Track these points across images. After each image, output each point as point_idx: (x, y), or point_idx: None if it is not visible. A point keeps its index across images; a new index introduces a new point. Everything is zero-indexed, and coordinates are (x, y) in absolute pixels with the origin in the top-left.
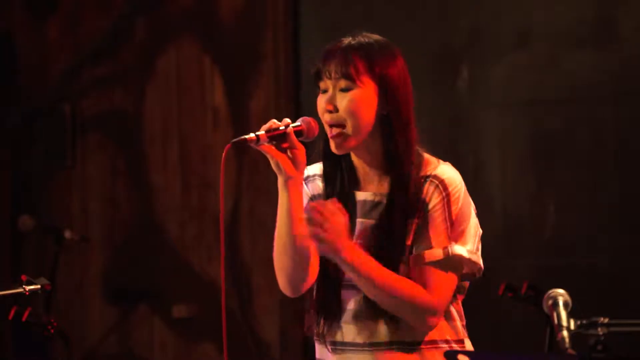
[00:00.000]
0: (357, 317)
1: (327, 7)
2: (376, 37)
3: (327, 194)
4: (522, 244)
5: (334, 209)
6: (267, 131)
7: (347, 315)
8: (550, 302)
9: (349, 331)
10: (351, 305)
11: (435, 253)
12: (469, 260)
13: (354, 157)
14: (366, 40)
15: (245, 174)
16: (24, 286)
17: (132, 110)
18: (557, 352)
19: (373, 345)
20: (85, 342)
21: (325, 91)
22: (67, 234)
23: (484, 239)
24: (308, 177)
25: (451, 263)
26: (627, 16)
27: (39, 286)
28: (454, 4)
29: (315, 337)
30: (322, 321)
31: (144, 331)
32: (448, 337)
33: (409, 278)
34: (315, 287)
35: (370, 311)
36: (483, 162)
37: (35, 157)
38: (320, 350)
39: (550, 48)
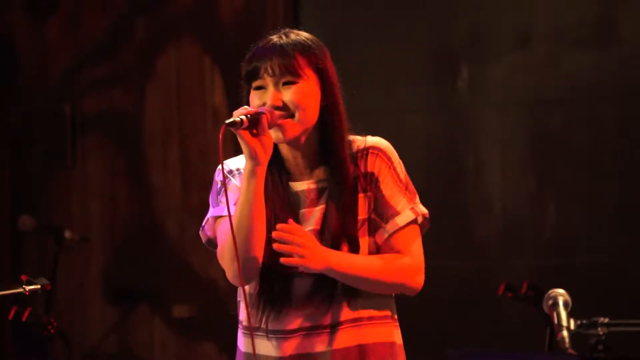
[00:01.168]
0: (307, 303)
1: (327, 7)
2: (306, 34)
3: (265, 186)
4: (522, 244)
5: (298, 228)
6: (246, 116)
7: (297, 302)
8: (550, 302)
9: (299, 318)
10: (301, 292)
11: (406, 215)
12: (427, 217)
13: (284, 149)
14: (300, 37)
15: None
16: (24, 286)
17: (132, 110)
18: (557, 352)
19: (322, 328)
20: (85, 342)
21: (260, 88)
22: (67, 234)
23: (484, 239)
24: (232, 171)
25: (418, 221)
26: (627, 16)
27: (39, 286)
28: (454, 4)
29: (248, 330)
30: (267, 312)
31: (144, 331)
32: (389, 313)
33: (377, 247)
34: (260, 277)
35: (320, 296)
36: (483, 162)
37: (35, 157)
38: (246, 342)
39: (550, 48)
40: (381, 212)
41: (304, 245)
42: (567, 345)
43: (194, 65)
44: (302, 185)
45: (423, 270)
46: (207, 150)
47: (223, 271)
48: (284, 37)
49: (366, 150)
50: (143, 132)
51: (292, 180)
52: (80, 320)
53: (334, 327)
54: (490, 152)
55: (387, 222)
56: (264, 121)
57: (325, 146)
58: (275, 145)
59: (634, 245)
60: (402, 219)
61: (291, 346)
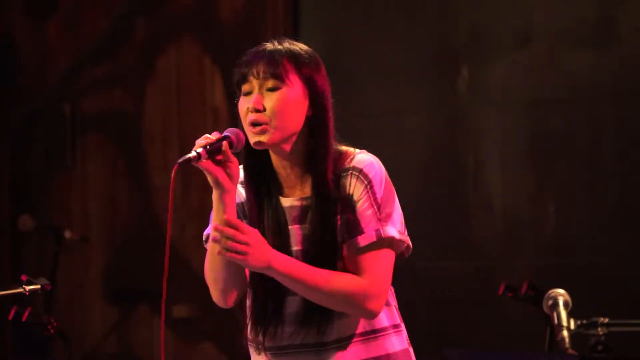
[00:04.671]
0: (299, 319)
1: (327, 7)
2: (301, 45)
3: (250, 200)
4: (522, 244)
5: (243, 226)
6: (204, 147)
7: (290, 319)
8: (550, 302)
9: (291, 334)
10: (294, 308)
11: (368, 236)
12: (400, 240)
13: (275, 161)
14: (292, 46)
15: None
16: (24, 286)
17: (132, 110)
18: (557, 352)
19: (316, 346)
20: (85, 342)
21: (248, 93)
22: (67, 234)
23: (484, 239)
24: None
25: (385, 244)
26: (627, 16)
27: (39, 286)
28: (454, 4)
29: (250, 345)
30: (261, 328)
31: (144, 331)
32: (386, 324)
33: (346, 270)
34: (250, 295)
35: (312, 312)
36: (483, 162)
37: (35, 157)
38: (256, 358)
39: (550, 48)
40: (349, 229)
41: (247, 242)
42: (567, 345)
43: (194, 65)
44: (289, 202)
45: (381, 295)
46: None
47: None
48: (276, 44)
49: (348, 171)
50: (143, 132)
51: (283, 195)
52: (80, 320)
53: (328, 345)
54: (490, 152)
55: (350, 239)
56: (226, 147)
57: (311, 159)
58: (269, 159)
59: (634, 245)
60: (364, 239)
61: None
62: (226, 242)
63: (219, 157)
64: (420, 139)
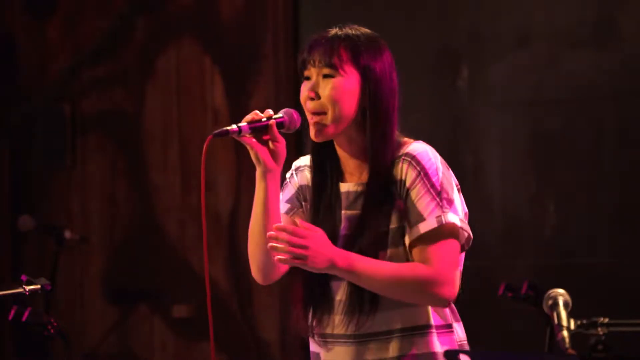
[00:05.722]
0: (346, 309)
1: (327, 7)
2: (365, 30)
3: (314, 184)
4: (522, 244)
5: (306, 226)
6: (249, 122)
7: (337, 308)
8: (550, 302)
9: (338, 323)
10: (340, 297)
11: (429, 223)
12: (461, 229)
13: (337, 148)
14: (353, 32)
15: (245, 173)
16: (24, 286)
17: (132, 110)
18: (557, 352)
19: (362, 337)
20: (85, 342)
21: (308, 78)
22: (67, 234)
23: (484, 239)
24: (299, 167)
25: (446, 231)
26: (627, 16)
27: (39, 286)
28: (454, 4)
29: (305, 332)
30: (310, 315)
31: (144, 331)
32: (432, 322)
33: (406, 258)
34: (300, 281)
35: (359, 303)
36: (483, 162)
37: (35, 157)
38: (313, 344)
39: (550, 48)
40: (409, 218)
41: (305, 245)
42: (567, 345)
43: (194, 65)
44: (346, 187)
45: (450, 281)
46: (207, 150)
47: (223, 271)
48: (338, 31)
49: (400, 157)
50: (143, 132)
51: (342, 181)
52: (80, 320)
53: (370, 336)
54: (490, 152)
55: (411, 227)
56: (273, 128)
57: (369, 148)
58: (332, 143)
59: (634, 245)
60: (425, 226)
61: (338, 352)
62: (284, 249)
63: (266, 137)
64: (420, 138)
